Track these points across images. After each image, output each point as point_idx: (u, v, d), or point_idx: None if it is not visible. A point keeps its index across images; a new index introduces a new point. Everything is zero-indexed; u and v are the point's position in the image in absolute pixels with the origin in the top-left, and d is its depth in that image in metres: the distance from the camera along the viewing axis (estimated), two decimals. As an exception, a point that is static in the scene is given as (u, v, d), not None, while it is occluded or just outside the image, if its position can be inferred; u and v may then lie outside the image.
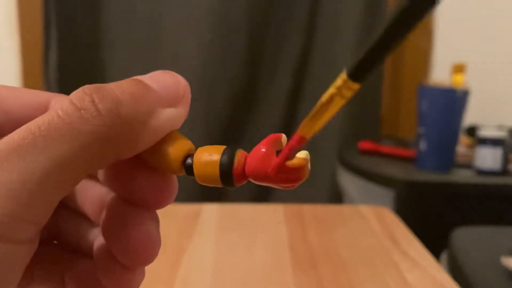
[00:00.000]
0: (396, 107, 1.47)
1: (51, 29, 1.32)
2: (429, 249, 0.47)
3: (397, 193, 0.99)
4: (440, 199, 1.02)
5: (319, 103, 0.16)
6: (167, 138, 0.18)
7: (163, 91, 0.17)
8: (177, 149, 0.18)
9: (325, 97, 0.16)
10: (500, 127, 1.14)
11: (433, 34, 1.42)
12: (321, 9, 1.36)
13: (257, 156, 0.17)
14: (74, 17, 1.33)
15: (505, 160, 1.02)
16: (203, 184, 0.18)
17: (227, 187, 0.18)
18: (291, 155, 0.17)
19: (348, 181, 1.15)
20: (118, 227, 0.18)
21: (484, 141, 1.02)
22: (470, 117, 1.27)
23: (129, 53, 1.36)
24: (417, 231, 0.52)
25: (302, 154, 0.17)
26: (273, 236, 0.50)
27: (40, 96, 0.19)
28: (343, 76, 0.15)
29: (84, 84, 0.16)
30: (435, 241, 0.66)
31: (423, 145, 1.05)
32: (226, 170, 0.17)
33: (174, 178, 0.19)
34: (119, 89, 0.16)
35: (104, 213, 0.19)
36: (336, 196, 1.33)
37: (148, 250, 0.18)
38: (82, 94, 0.15)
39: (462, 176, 1.04)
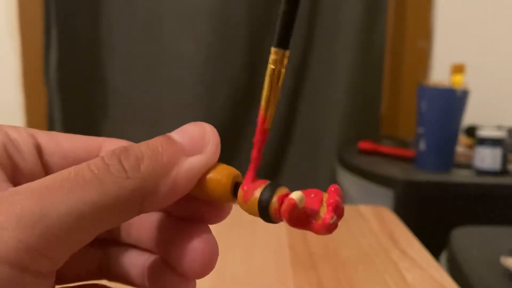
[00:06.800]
0: (395, 107, 1.47)
1: (51, 29, 1.32)
2: (428, 249, 0.47)
3: (397, 193, 0.99)
4: (440, 199, 1.03)
5: (268, 85, 0.17)
6: (211, 170, 0.19)
7: (187, 141, 0.18)
8: (224, 178, 0.19)
9: (271, 76, 0.17)
10: (499, 127, 1.14)
11: (432, 35, 1.42)
12: (321, 9, 1.37)
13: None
14: (74, 17, 1.34)
15: (504, 160, 1.02)
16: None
17: (267, 222, 0.18)
18: (260, 155, 0.18)
19: (348, 181, 1.15)
20: (178, 240, 0.19)
21: (483, 141, 1.02)
22: (469, 117, 1.27)
23: (129, 53, 1.36)
24: (417, 231, 0.52)
25: (295, 195, 0.17)
26: (273, 236, 0.50)
27: (92, 140, 0.21)
28: (273, 50, 0.17)
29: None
30: (434, 240, 0.66)
31: (422, 145, 1.05)
32: (264, 208, 0.18)
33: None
34: (144, 146, 0.18)
35: (160, 231, 0.20)
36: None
37: (210, 257, 0.19)
38: (112, 153, 0.17)
39: (461, 176, 1.04)
